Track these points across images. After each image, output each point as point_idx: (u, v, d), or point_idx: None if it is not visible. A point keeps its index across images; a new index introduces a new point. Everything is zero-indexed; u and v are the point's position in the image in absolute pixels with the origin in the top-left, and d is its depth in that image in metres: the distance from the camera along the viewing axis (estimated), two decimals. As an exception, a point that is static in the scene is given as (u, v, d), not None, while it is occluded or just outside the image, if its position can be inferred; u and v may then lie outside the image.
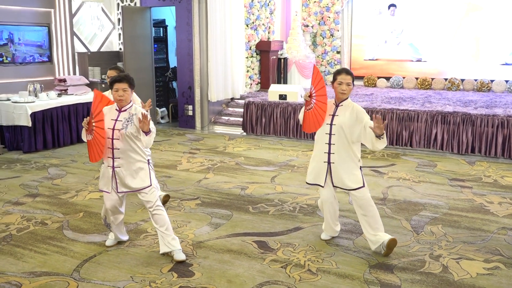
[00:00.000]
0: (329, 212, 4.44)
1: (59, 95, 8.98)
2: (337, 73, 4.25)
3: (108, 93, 5.41)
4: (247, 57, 11.04)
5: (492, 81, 11.12)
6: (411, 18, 12.06)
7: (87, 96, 9.13)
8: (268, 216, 5.17)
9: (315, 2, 12.97)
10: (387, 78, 12.23)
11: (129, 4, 10.64)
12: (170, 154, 7.98)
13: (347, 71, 4.23)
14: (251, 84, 11.37)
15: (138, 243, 4.51)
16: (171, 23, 11.91)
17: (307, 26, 12.75)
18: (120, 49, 10.74)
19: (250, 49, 11.11)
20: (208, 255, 4.23)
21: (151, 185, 4.15)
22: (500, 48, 11.21)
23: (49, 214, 5.30)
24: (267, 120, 9.52)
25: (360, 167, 4.27)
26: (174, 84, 11.83)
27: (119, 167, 4.09)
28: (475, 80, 11.26)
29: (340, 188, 4.30)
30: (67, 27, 9.72)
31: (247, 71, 11.15)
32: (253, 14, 11.06)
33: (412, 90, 11.51)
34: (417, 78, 11.84)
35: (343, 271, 3.95)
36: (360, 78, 12.67)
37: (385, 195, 5.85)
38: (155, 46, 11.21)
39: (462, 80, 11.40)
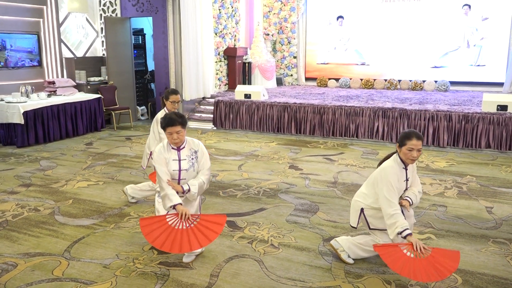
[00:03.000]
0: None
1: (49, 95, 8.71)
2: (406, 137, 3.26)
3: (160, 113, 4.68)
4: (216, 62, 10.95)
5: (424, 81, 11.38)
6: (356, 28, 12.20)
7: (74, 96, 8.91)
8: (236, 199, 5.17)
9: (274, 13, 12.97)
10: (337, 79, 12.36)
11: (110, 15, 10.38)
12: (150, 147, 7.84)
13: (418, 136, 3.25)
14: (220, 85, 11.29)
15: (122, 225, 4.43)
16: (148, 31, 11.71)
17: (268, 34, 12.73)
18: (104, 54, 10.48)
19: (218, 54, 11.02)
20: (184, 234, 4.19)
21: (200, 213, 3.77)
22: (431, 54, 11.47)
23: (41, 201, 5.14)
24: (234, 116, 9.48)
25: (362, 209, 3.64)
26: (152, 85, 11.64)
27: (182, 196, 3.61)
28: (410, 80, 11.51)
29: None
30: (55, 35, 9.42)
31: (216, 73, 11.06)
32: (220, 24, 10.97)
33: (357, 89, 11.67)
34: (361, 79, 11.99)
35: (301, 244, 3.98)
36: (314, 79, 12.77)
37: (336, 179, 5.93)
38: (135, 52, 11.00)
39: (399, 81, 11.62)
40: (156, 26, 10.13)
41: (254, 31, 12.20)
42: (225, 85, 11.51)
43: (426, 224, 4.41)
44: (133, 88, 10.51)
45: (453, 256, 3.15)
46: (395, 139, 8.07)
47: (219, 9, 10.84)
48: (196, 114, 10.34)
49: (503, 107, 7.50)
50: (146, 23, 11.84)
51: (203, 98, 10.64)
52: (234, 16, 11.52)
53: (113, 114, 9.62)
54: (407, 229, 3.21)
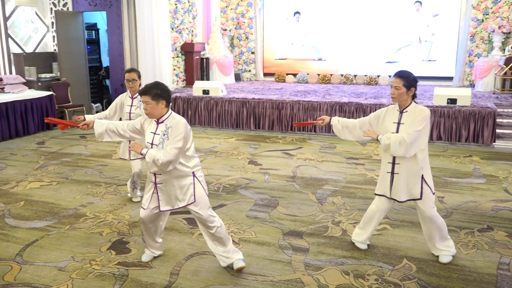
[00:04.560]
0: (375, 222, 3.73)
1: (-4, 93, 8.33)
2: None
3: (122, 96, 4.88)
4: (173, 57, 10.80)
5: (378, 76, 11.68)
6: (313, 24, 12.35)
7: (24, 93, 8.55)
8: (195, 196, 5.12)
9: (231, 9, 12.92)
10: (294, 75, 12.47)
11: (61, 9, 10.03)
12: (106, 145, 7.66)
13: (398, 74, 3.40)
14: (178, 81, 11.15)
15: (78, 226, 4.31)
16: (102, 26, 11.40)
17: (225, 30, 12.68)
18: (55, 50, 10.11)
19: (175, 50, 10.88)
20: (143, 233, 4.12)
21: (195, 201, 3.30)
22: (385, 49, 11.79)
23: (-10, 204, 4.91)
24: (193, 112, 9.40)
25: (422, 176, 3.46)
26: (108, 81, 11.36)
27: (161, 183, 3.28)
28: (365, 75, 11.78)
29: (396, 200, 3.56)
30: (1, 30, 8.98)
31: (174, 69, 10.92)
32: (177, 19, 10.82)
33: (314, 84, 11.83)
34: (318, 74, 12.17)
35: (261, 239, 4.01)
36: (272, 74, 12.84)
37: (295, 173, 5.99)
38: (88, 47, 10.69)
39: (355, 76, 11.87)
40: (110, 21, 9.87)
41: (212, 27, 12.12)
42: (183, 81, 11.38)
43: (382, 215, 4.53)
44: (87, 84, 10.22)
45: None
46: (351, 133, 8.22)
47: (176, 4, 10.69)
48: (153, 110, 10.15)
49: (452, 101, 7.81)
50: (99, 18, 11.52)
51: (161, 94, 10.47)
52: (191, 11, 11.39)
53: (66, 112, 9.31)
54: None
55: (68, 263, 3.57)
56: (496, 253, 3.73)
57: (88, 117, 4.37)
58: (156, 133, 3.25)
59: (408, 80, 3.36)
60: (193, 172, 3.33)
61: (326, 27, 12.20)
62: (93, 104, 10.54)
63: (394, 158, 3.46)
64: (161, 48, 10.19)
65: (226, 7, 12.98)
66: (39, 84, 9.30)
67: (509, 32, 10.21)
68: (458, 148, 7.45)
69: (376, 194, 3.67)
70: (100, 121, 3.51)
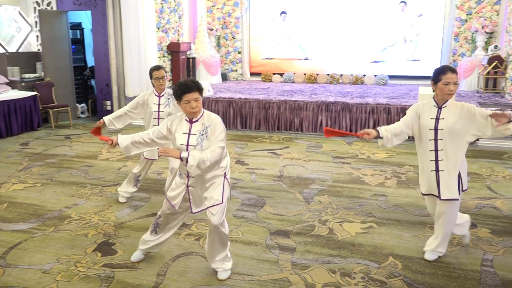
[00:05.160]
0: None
1: (-21, 93, 8.20)
2: (441, 72, 3.26)
3: (142, 95, 4.72)
4: (159, 57, 10.74)
5: (364, 75, 11.75)
6: (299, 23, 12.37)
7: (7, 94, 8.43)
8: (182, 196, 5.10)
9: (218, 8, 12.89)
10: (281, 74, 12.49)
11: (45, 8, 9.90)
12: (91, 146, 7.59)
13: (452, 69, 3.24)
14: (164, 81, 11.08)
15: (62, 228, 4.26)
16: (87, 26, 11.28)
17: (212, 29, 12.65)
18: (39, 50, 9.97)
19: (162, 49, 10.81)
20: (129, 234, 4.10)
21: (222, 202, 3.17)
22: (370, 49, 11.86)
23: (-28, 206, 4.83)
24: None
25: (460, 173, 3.38)
26: (93, 81, 11.25)
27: (193, 186, 3.16)
28: (351, 75, 11.84)
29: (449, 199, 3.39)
30: (-17, 29, 8.85)
31: (160, 69, 10.85)
32: (163, 19, 10.76)
33: (301, 84, 11.85)
34: (305, 74, 12.20)
35: (248, 239, 4.00)
36: (258, 74, 12.84)
37: (282, 173, 6.00)
38: (73, 47, 10.57)
39: (341, 75, 11.93)
40: (95, 20, 9.77)
41: (198, 26, 12.08)
42: (169, 80, 11.32)
43: (368, 213, 4.57)
44: (72, 84, 10.10)
45: None
46: (338, 132, 8.27)
47: (161, 3, 10.63)
48: (139, 110, 10.08)
49: (437, 100, 7.88)
50: (84, 17, 11.40)
51: (147, 94, 10.39)
52: (177, 10, 11.34)
53: (51, 112, 9.19)
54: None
55: (52, 266, 3.53)
56: (479, 249, 3.78)
57: (106, 118, 4.50)
58: (191, 133, 3.07)
59: (457, 74, 3.31)
60: (224, 173, 3.22)
61: (312, 27, 12.23)
62: (78, 105, 10.43)
63: (437, 155, 3.35)
64: (147, 48, 10.11)
65: (212, 6, 12.94)
66: (23, 84, 9.17)
67: (492, 32, 10.35)
68: (443, 146, 7.52)
69: (423, 194, 3.56)
70: (124, 136, 3.35)
